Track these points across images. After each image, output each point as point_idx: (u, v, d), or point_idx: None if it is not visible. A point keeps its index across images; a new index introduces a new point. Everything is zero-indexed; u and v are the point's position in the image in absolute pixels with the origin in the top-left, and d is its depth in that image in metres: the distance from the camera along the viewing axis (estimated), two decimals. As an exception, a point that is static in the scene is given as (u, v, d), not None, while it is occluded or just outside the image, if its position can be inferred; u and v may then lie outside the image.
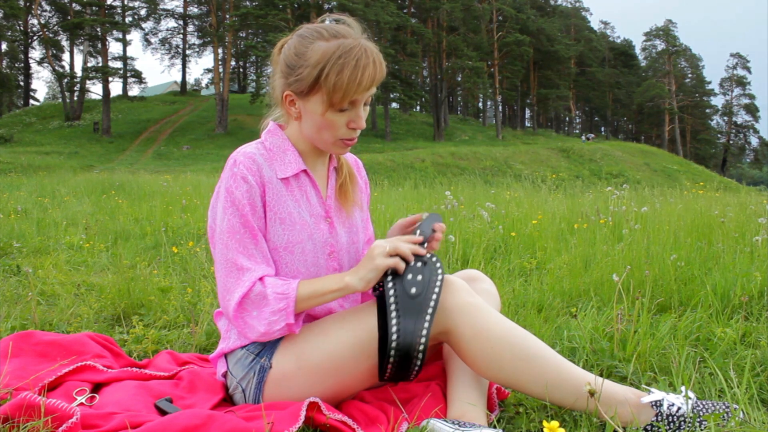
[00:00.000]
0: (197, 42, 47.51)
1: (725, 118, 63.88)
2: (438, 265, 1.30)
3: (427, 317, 1.24)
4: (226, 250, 1.30)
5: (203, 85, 61.69)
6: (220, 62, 36.85)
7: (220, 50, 37.33)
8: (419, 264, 1.29)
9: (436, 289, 1.26)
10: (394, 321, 1.23)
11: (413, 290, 1.25)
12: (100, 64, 35.50)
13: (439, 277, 1.28)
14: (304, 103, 1.33)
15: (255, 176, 1.32)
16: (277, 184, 1.36)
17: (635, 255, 2.76)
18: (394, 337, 1.22)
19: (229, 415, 1.21)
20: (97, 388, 1.45)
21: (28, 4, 36.21)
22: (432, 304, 1.25)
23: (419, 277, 1.27)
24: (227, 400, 1.42)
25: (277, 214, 1.35)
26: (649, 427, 1.22)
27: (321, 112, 1.30)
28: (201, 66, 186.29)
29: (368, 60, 1.26)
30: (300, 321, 1.33)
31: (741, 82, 63.15)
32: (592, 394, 1.17)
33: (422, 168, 23.47)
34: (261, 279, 1.29)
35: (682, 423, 1.21)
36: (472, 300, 1.29)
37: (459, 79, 44.00)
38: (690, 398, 1.24)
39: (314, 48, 1.29)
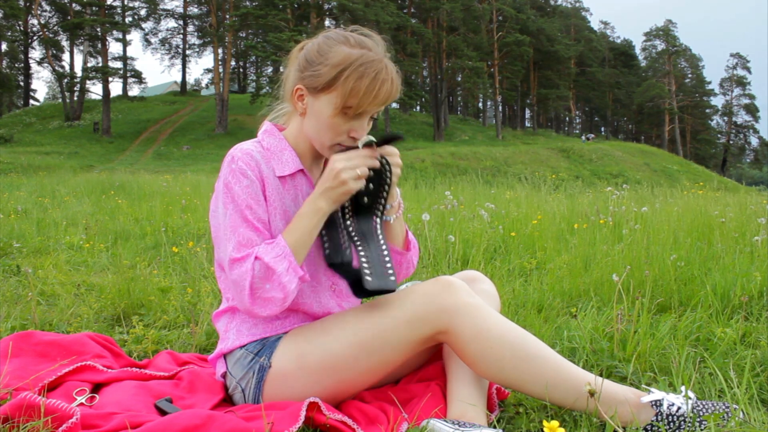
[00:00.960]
0: (197, 42, 47.55)
1: (725, 118, 63.89)
2: (385, 160, 1.35)
3: (378, 214, 1.36)
4: (231, 250, 1.29)
5: (203, 85, 61.71)
6: (220, 62, 36.85)
7: (220, 50, 37.33)
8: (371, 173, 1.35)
9: (386, 187, 1.36)
10: (348, 225, 1.36)
11: (365, 199, 1.35)
12: (100, 64, 35.50)
13: (388, 174, 1.36)
14: (314, 100, 1.33)
15: (254, 171, 1.33)
16: (275, 181, 1.36)
17: (635, 255, 2.76)
18: (351, 229, 1.34)
19: (229, 415, 1.21)
20: (97, 388, 1.45)
21: (28, 4, 36.20)
22: (382, 201, 1.37)
23: (370, 186, 1.35)
24: (227, 401, 1.42)
25: (276, 210, 1.35)
26: (649, 427, 1.22)
27: (330, 113, 1.31)
28: (201, 66, 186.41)
29: (387, 76, 1.29)
30: (305, 266, 1.35)
31: (741, 82, 63.14)
32: (592, 394, 1.17)
33: (422, 168, 23.46)
34: (255, 258, 1.28)
35: (682, 423, 1.21)
36: (471, 300, 1.29)
37: (459, 79, 44.00)
38: (690, 398, 1.24)
39: (337, 50, 1.30)
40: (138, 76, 37.99)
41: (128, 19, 38.27)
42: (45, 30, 37.69)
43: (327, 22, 35.40)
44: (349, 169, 1.28)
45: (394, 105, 42.72)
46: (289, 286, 1.27)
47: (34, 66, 49.16)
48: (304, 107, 1.36)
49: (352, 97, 1.27)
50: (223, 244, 1.31)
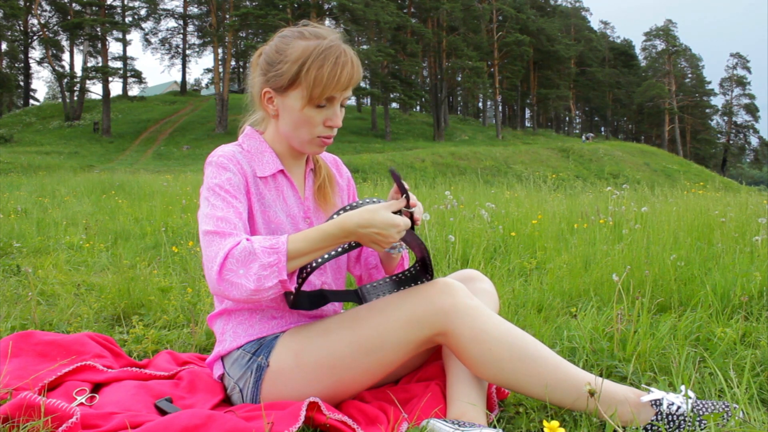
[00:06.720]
0: (197, 42, 47.48)
1: (725, 118, 63.88)
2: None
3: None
4: (207, 227, 1.26)
5: (203, 85, 61.62)
6: (220, 62, 36.85)
7: (220, 50, 37.33)
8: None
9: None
10: None
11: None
12: (100, 64, 35.49)
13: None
14: (283, 99, 1.35)
15: (236, 166, 1.35)
16: (255, 180, 1.38)
17: (635, 255, 2.76)
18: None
19: (229, 415, 1.21)
20: (97, 388, 1.45)
21: (28, 4, 36.19)
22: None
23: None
24: (227, 401, 1.42)
25: (258, 209, 1.37)
26: (648, 427, 1.22)
27: (300, 107, 1.33)
28: (201, 66, 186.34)
29: (347, 59, 1.31)
30: (294, 279, 1.28)
31: (741, 82, 63.13)
32: (592, 393, 1.17)
33: (422, 168, 23.45)
34: (246, 239, 1.24)
35: (682, 422, 1.21)
36: (470, 302, 1.29)
37: (459, 79, 44.01)
38: (690, 397, 1.24)
39: (295, 45, 1.32)
40: (138, 76, 37.98)
41: (128, 19, 38.26)
42: (45, 30, 37.67)
43: (327, 22, 35.37)
44: (398, 236, 1.25)
45: (395, 105, 42.73)
46: (264, 282, 1.19)
47: (34, 66, 49.28)
48: (275, 109, 1.38)
49: (316, 87, 1.29)
50: (204, 227, 1.27)
